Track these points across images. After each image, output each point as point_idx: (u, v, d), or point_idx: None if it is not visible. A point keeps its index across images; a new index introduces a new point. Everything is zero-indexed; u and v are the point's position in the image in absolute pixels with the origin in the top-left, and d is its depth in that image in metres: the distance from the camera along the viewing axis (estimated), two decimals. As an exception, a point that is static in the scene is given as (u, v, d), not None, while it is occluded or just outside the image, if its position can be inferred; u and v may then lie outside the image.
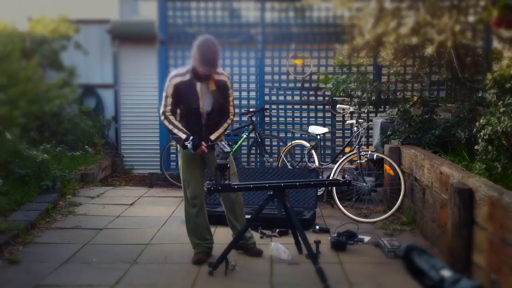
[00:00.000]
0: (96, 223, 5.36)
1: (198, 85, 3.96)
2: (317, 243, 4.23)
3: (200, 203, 4.21)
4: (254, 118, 7.14)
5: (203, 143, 3.93)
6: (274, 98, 7.69)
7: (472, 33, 5.12)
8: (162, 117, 3.99)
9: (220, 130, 4.10)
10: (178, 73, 3.97)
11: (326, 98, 7.52)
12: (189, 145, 3.90)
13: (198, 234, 4.24)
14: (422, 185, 4.94)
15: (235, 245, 4.07)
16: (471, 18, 5.02)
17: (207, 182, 3.90)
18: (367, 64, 7.33)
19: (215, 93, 4.01)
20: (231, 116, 4.17)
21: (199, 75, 3.92)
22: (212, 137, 4.04)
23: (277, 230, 4.90)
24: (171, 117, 3.98)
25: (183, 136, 3.93)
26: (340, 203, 5.57)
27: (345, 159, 5.83)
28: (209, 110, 4.04)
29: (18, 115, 5.12)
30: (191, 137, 3.90)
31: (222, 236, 4.73)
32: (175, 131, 3.95)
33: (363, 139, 5.90)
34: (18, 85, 5.07)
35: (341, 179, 4.17)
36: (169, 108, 3.97)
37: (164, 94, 3.97)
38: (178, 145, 4.16)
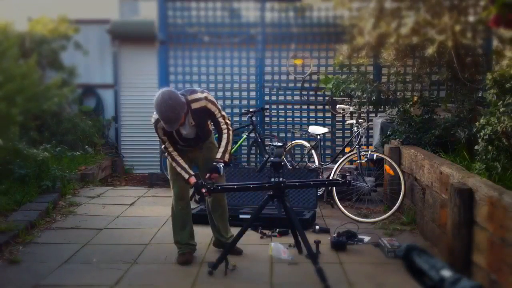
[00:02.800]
0: (96, 223, 5.36)
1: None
2: (317, 243, 4.24)
3: (186, 203, 4.23)
4: (254, 118, 7.14)
5: (203, 190, 3.88)
6: (274, 98, 7.69)
7: (472, 33, 5.12)
8: (165, 154, 4.08)
9: (223, 147, 4.04)
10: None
11: (326, 98, 7.52)
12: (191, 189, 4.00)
13: (185, 233, 4.23)
14: (422, 185, 4.94)
15: (235, 245, 4.07)
16: (471, 18, 5.02)
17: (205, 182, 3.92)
18: (367, 64, 7.33)
19: (196, 123, 3.99)
20: (226, 129, 4.07)
21: None
22: (226, 158, 4.04)
23: (277, 230, 4.90)
24: (174, 154, 4.03)
25: (186, 176, 3.98)
26: (340, 203, 5.57)
27: (345, 159, 5.83)
28: (194, 136, 4.07)
29: (16, 112, 5.11)
30: (194, 183, 3.94)
31: (222, 236, 4.73)
32: (178, 169, 4.01)
33: (363, 139, 5.90)
34: (14, 81, 5.05)
35: (340, 179, 4.17)
36: (167, 143, 4.02)
37: (157, 135, 4.03)
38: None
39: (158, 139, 4.08)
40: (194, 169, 4.14)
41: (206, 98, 3.97)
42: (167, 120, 3.73)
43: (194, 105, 3.92)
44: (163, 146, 4.07)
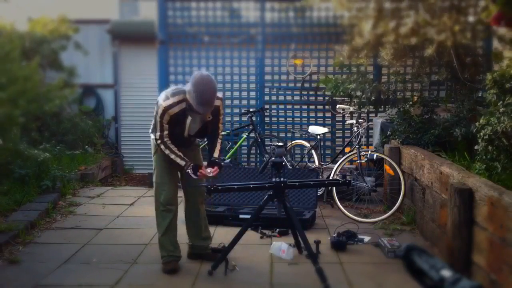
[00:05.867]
0: (96, 223, 5.36)
1: (190, 116, 3.83)
2: (317, 243, 4.25)
3: (175, 208, 4.07)
4: (254, 118, 7.15)
5: (203, 168, 3.89)
6: (274, 98, 7.69)
7: (472, 33, 5.12)
8: (159, 141, 3.84)
9: (218, 149, 4.06)
10: (174, 102, 3.75)
11: (326, 98, 7.52)
12: (190, 171, 3.85)
13: (172, 241, 4.06)
14: (422, 185, 4.94)
15: (234, 245, 4.07)
16: (471, 18, 5.02)
17: (204, 183, 3.90)
18: (367, 64, 7.33)
19: (207, 120, 3.91)
20: (220, 133, 4.10)
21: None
22: (215, 155, 4.02)
23: (277, 230, 4.91)
24: (169, 142, 3.86)
25: (182, 162, 3.86)
26: (340, 203, 5.57)
27: (345, 159, 5.83)
28: (193, 133, 3.97)
29: (17, 114, 5.13)
30: (191, 165, 3.86)
31: (222, 236, 4.73)
32: (172, 156, 3.86)
33: (363, 139, 5.90)
34: (17, 84, 5.07)
35: (340, 179, 4.17)
36: (166, 133, 3.83)
37: (158, 119, 3.78)
38: (154, 148, 4.05)
39: (155, 127, 3.86)
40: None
41: (221, 98, 3.98)
42: (205, 102, 3.65)
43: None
44: (158, 134, 3.82)
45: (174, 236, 4.10)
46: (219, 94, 3.93)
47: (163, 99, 3.79)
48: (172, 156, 3.87)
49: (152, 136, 4.00)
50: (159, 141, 3.85)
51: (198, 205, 4.19)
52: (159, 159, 4.02)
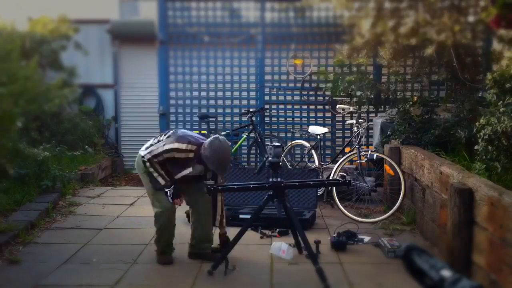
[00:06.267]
0: (96, 223, 5.36)
1: (191, 167, 4.04)
2: (317, 243, 4.25)
3: (173, 206, 4.15)
4: (254, 118, 7.15)
5: (182, 196, 4.09)
6: (274, 98, 7.69)
7: (472, 33, 5.12)
8: (146, 158, 4.01)
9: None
10: (187, 149, 3.96)
11: (326, 98, 7.52)
12: (168, 193, 4.01)
13: (169, 234, 4.18)
14: (422, 185, 4.94)
15: (234, 245, 4.07)
16: (471, 18, 5.02)
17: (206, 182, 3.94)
18: (367, 64, 7.33)
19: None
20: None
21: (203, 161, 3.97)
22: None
23: (277, 230, 4.90)
24: (155, 162, 4.01)
25: (162, 182, 4.01)
26: (340, 203, 5.57)
27: (345, 159, 5.83)
28: (197, 173, 4.15)
29: (17, 112, 5.11)
30: (172, 187, 4.00)
31: (222, 236, 4.73)
32: (155, 175, 4.02)
33: (363, 139, 5.90)
34: (17, 83, 5.06)
35: (340, 179, 4.17)
36: (158, 160, 3.99)
37: (161, 148, 3.97)
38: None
39: (155, 153, 3.98)
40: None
41: None
42: (224, 167, 3.96)
43: None
44: (150, 156, 3.99)
45: (170, 234, 4.17)
46: None
47: (181, 141, 3.96)
48: (155, 175, 4.02)
49: (141, 153, 4.09)
50: (147, 158, 4.00)
51: (206, 214, 4.25)
52: (152, 166, 4.11)
